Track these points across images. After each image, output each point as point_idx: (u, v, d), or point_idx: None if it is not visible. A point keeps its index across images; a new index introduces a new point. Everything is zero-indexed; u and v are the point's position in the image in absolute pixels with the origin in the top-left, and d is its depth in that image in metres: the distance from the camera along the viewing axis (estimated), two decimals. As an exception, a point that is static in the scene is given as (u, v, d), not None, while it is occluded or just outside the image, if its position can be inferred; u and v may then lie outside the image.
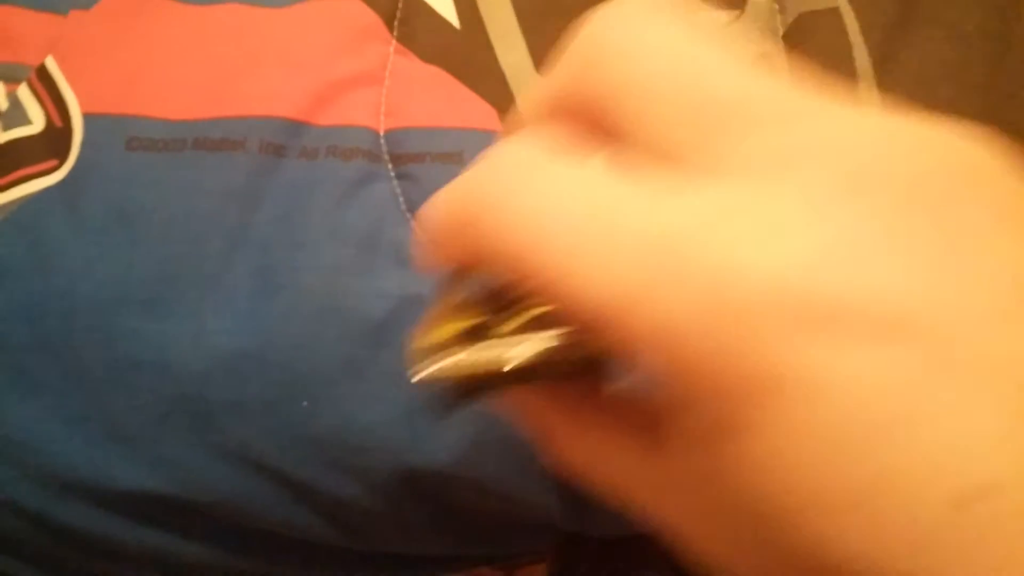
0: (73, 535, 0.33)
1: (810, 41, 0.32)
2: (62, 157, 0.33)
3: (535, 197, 0.16)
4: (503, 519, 0.35)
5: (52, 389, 0.32)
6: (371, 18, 0.36)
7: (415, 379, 0.19)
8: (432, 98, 0.33)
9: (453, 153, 0.32)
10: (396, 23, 0.35)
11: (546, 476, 0.33)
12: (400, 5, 0.36)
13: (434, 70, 0.34)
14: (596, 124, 0.17)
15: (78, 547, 0.34)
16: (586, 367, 0.19)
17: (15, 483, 0.32)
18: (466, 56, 0.34)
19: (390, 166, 0.33)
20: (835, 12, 0.32)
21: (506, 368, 0.18)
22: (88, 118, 0.34)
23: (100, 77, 0.34)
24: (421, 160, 0.32)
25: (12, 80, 0.36)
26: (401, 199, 0.32)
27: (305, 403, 0.31)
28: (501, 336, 0.19)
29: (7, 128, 0.35)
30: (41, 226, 0.33)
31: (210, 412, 0.31)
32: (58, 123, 0.34)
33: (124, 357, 0.31)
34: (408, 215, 0.32)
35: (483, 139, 0.32)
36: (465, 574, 0.50)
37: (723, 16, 0.32)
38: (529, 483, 0.33)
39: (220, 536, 0.34)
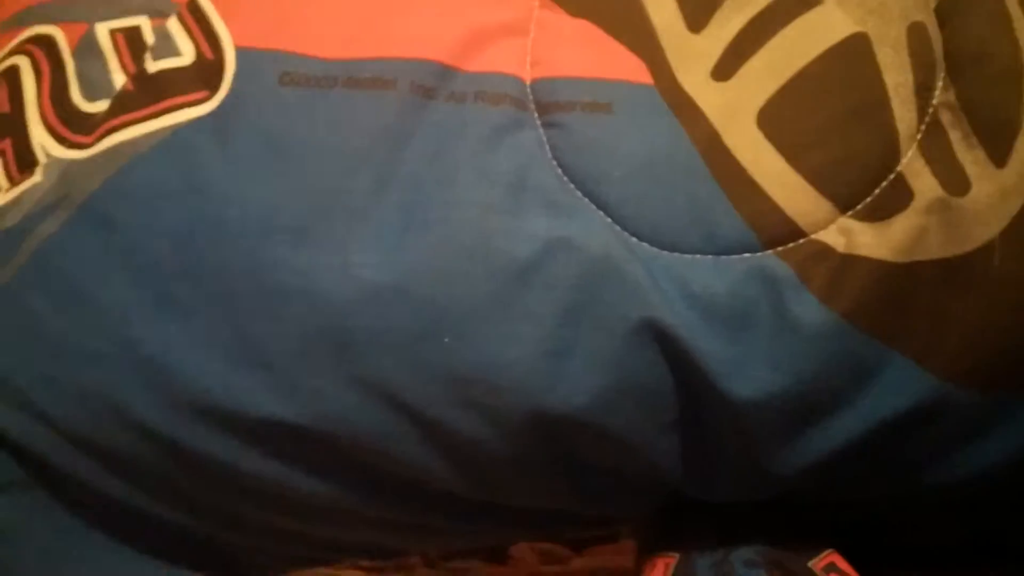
0: (198, 462, 0.34)
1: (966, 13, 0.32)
2: (213, 88, 0.34)
3: None
4: (619, 475, 0.35)
5: (196, 314, 0.32)
6: None
7: None
8: (580, 49, 0.34)
9: (602, 103, 0.33)
10: None
11: (675, 430, 0.33)
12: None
13: (582, 23, 0.34)
14: None
15: (200, 475, 0.35)
16: None
17: (147, 404, 0.33)
18: (615, 12, 0.34)
19: (536, 114, 0.33)
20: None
21: None
22: (241, 52, 0.34)
23: (254, 13, 0.35)
24: (570, 109, 0.33)
25: (158, 15, 0.37)
26: (547, 146, 0.33)
27: (447, 339, 0.31)
28: None
29: (156, 59, 0.35)
30: (193, 154, 0.33)
31: (351, 343, 0.32)
32: (209, 55, 0.35)
33: (269, 285, 0.32)
34: (554, 162, 0.32)
35: (633, 91, 0.33)
36: (534, 546, 0.50)
37: None
38: (659, 436, 0.33)
39: (342, 474, 0.35)
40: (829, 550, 0.39)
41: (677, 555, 0.41)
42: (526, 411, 0.32)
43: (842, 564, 0.39)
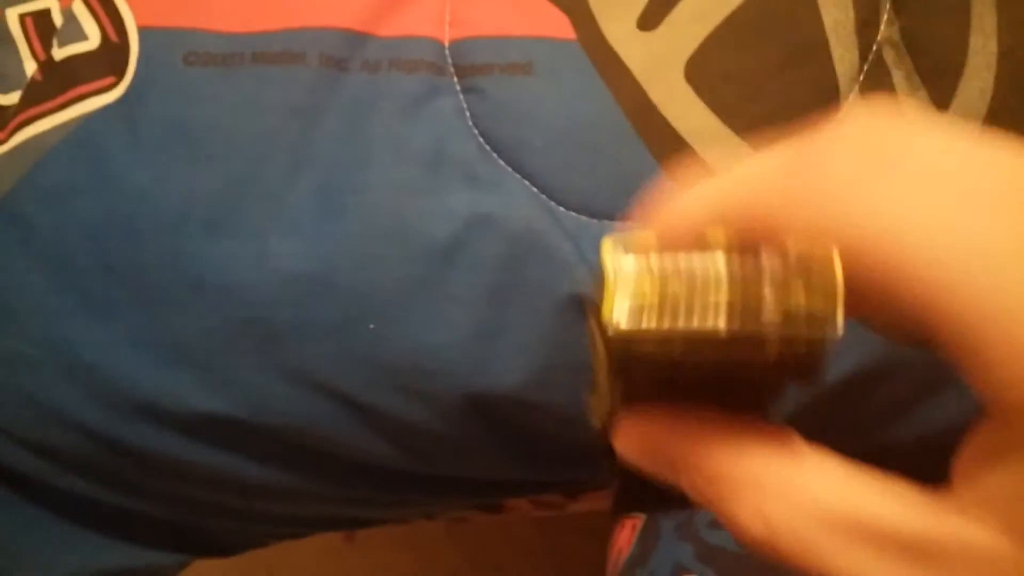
0: (144, 457, 0.34)
1: None
2: (119, 74, 0.32)
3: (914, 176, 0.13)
4: (573, 445, 0.34)
5: (119, 312, 0.32)
6: None
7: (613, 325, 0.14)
8: (500, 5, 0.32)
9: (522, 64, 0.31)
10: None
11: None
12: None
13: None
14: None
15: (150, 469, 0.34)
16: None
17: (85, 406, 0.33)
18: None
19: (455, 79, 0.31)
20: None
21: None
22: (144, 32, 0.33)
23: (155, -11, 0.33)
24: (488, 72, 0.31)
25: (65, -6, 0.35)
26: (468, 114, 0.31)
27: (371, 326, 0.30)
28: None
29: (62, 44, 0.34)
30: (101, 146, 0.32)
31: (276, 335, 0.31)
32: (114, 38, 0.33)
33: (188, 279, 0.31)
34: (475, 131, 0.31)
35: (554, 49, 0.31)
36: (531, 499, 0.50)
37: None
38: None
39: (290, 459, 0.34)
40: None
41: (643, 517, 0.40)
42: (460, 394, 0.31)
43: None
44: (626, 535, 0.40)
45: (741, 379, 0.15)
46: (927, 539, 0.14)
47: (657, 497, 0.38)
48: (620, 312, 0.14)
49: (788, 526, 0.15)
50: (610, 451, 0.17)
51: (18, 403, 0.33)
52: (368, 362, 0.31)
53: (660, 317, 0.14)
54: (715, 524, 0.38)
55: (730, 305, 0.13)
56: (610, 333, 0.14)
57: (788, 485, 0.15)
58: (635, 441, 0.17)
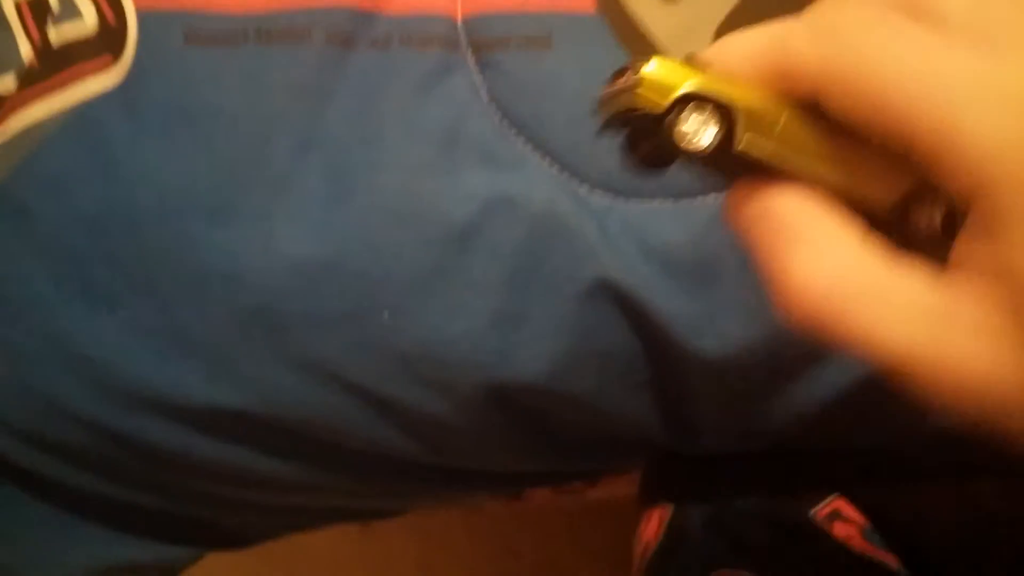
0: (150, 451, 0.32)
1: None
2: (116, 53, 0.31)
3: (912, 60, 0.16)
4: (598, 436, 0.33)
5: (121, 302, 0.30)
6: None
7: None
8: (514, -23, 0.30)
9: (540, 37, 0.29)
10: None
11: (647, 391, 0.30)
12: None
13: None
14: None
15: (156, 463, 0.33)
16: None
17: (87, 399, 0.31)
18: None
19: (470, 55, 0.30)
20: None
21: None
22: (143, 15, 0.31)
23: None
24: (505, 47, 0.29)
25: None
26: (483, 90, 0.29)
27: (386, 314, 0.29)
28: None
29: (59, 27, 0.32)
30: (100, 131, 0.31)
31: (285, 325, 0.29)
32: (111, 21, 0.32)
33: (192, 268, 0.30)
34: (492, 108, 0.29)
35: (574, 22, 0.29)
36: (554, 488, 0.49)
37: None
38: (630, 399, 0.30)
39: (301, 452, 0.33)
40: (834, 496, 0.36)
41: (671, 508, 0.39)
42: (480, 384, 0.29)
43: (849, 511, 0.36)
44: (653, 527, 0.39)
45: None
46: (935, 307, 0.17)
47: (685, 484, 0.37)
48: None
49: (827, 284, 0.17)
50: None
51: (19, 397, 0.32)
52: (382, 352, 0.29)
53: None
54: (748, 516, 0.36)
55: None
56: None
57: (834, 246, 0.18)
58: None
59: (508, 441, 0.32)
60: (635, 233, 0.28)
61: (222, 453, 0.33)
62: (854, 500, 0.36)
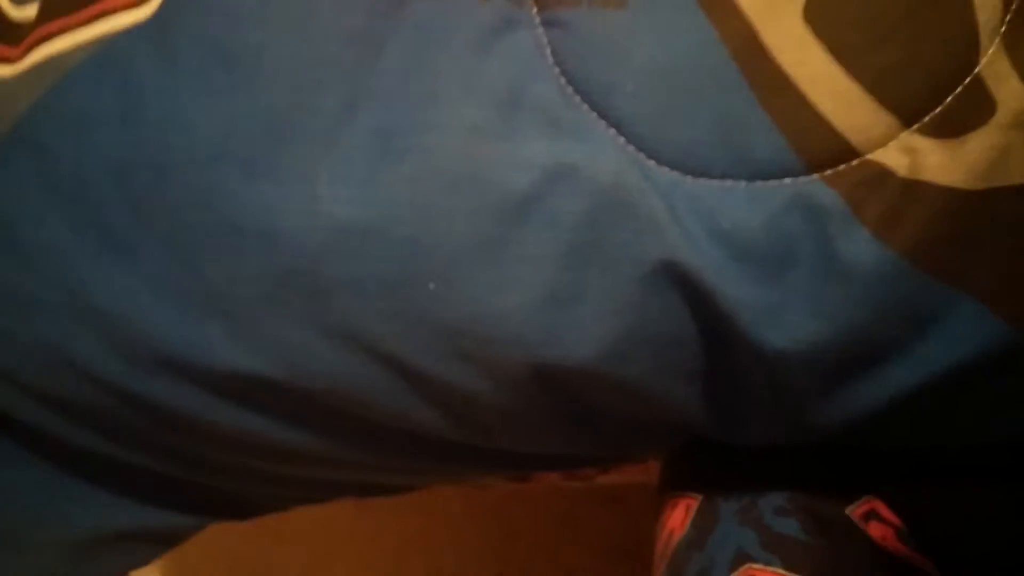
0: (164, 414, 0.31)
1: None
2: None
3: None
4: (639, 422, 0.31)
5: (144, 255, 0.28)
6: None
7: None
8: (588, -72, 0.28)
9: None
10: None
11: (700, 380, 0.29)
12: None
13: None
14: None
15: (170, 426, 0.32)
16: None
17: (101, 355, 0.30)
18: None
19: (535, 10, 0.28)
20: None
21: None
22: None
23: None
24: (574, 3, 0.27)
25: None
26: (548, 50, 0.27)
27: (432, 285, 0.27)
28: None
29: (86, -49, 0.30)
30: (129, 68, 0.28)
31: (322, 289, 0.28)
32: (145, -54, 0.29)
33: (224, 221, 0.28)
34: (556, 70, 0.27)
35: (651, -21, 0.27)
36: (567, 472, 0.48)
37: None
38: (681, 386, 0.29)
39: (326, 424, 0.31)
40: (870, 496, 0.35)
41: (700, 497, 0.38)
42: (526, 364, 0.28)
43: (884, 512, 0.35)
44: (679, 515, 0.38)
45: None
46: None
47: (715, 473, 0.35)
48: None
49: None
50: None
51: (28, 349, 0.30)
52: (425, 324, 0.28)
53: None
54: (782, 511, 0.35)
55: None
56: None
57: None
58: None
59: (545, 422, 0.31)
60: (704, 214, 0.26)
61: (240, 420, 0.31)
62: (890, 503, 0.35)
